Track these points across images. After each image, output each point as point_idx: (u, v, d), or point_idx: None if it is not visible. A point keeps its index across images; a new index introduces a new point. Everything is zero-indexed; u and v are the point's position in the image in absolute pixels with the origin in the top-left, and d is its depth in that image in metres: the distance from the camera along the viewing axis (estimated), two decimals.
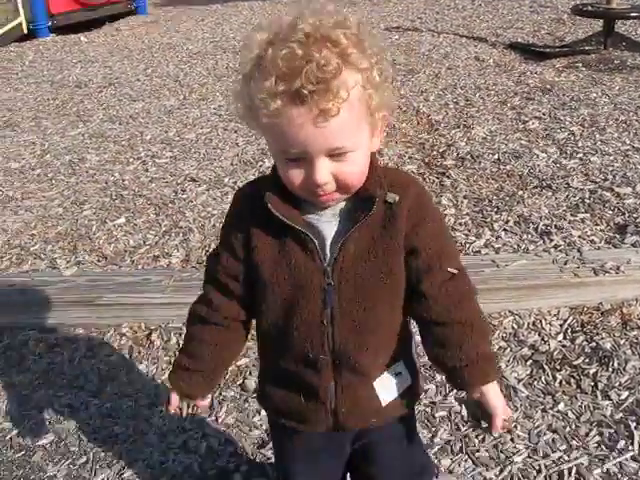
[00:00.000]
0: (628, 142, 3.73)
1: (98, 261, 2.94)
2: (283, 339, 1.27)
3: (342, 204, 1.19)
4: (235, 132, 4.41)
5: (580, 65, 5.38)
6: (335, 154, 1.09)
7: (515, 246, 2.78)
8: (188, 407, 1.42)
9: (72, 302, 2.62)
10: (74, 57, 7.10)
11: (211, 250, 1.38)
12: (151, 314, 2.60)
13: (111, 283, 2.69)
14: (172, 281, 2.67)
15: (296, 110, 1.03)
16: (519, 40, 6.44)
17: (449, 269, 1.24)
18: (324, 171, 1.09)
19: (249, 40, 1.09)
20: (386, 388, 1.31)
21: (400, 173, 1.29)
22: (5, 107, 5.39)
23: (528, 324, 2.45)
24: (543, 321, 2.45)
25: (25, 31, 7.96)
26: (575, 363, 2.25)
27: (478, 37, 6.68)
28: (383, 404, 1.31)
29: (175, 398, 1.37)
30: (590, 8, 5.89)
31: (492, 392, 1.23)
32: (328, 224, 1.20)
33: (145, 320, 2.59)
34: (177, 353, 1.46)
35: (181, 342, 2.46)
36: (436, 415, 2.08)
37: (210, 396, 1.42)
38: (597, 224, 2.92)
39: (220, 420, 2.13)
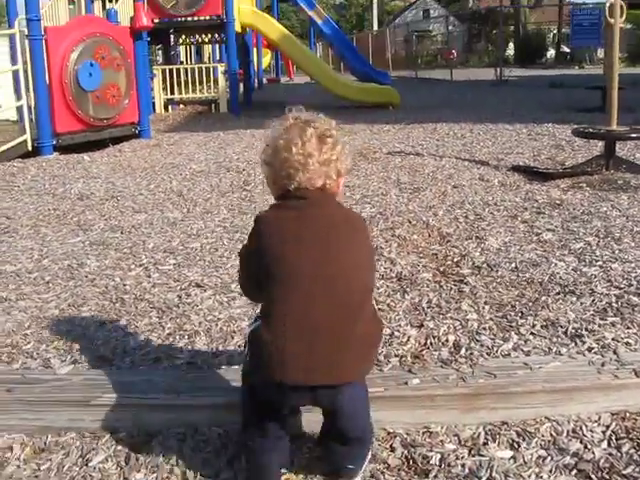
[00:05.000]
0: None
1: (96, 361, 2.72)
2: None
3: None
4: (241, 242, 4.29)
5: (584, 185, 5.38)
6: None
7: (546, 349, 2.60)
8: None
9: (66, 402, 2.38)
10: (77, 173, 7.10)
11: None
12: (152, 418, 2.36)
13: (110, 382, 2.47)
14: (177, 382, 2.45)
15: None
16: (520, 164, 6.50)
17: None
18: None
19: None
20: None
21: None
22: (4, 215, 5.28)
23: (568, 431, 2.23)
24: (584, 427, 2.24)
25: (29, 148, 8.03)
26: (625, 472, 2.03)
27: (480, 161, 6.76)
28: None
29: None
30: (591, 130, 5.98)
31: None
32: None
33: (145, 424, 2.35)
34: None
35: (184, 449, 2.25)
36: None
37: None
38: (629, 327, 2.75)
39: None
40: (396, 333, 2.82)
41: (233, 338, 2.90)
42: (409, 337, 2.78)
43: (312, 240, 1.81)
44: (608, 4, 5.80)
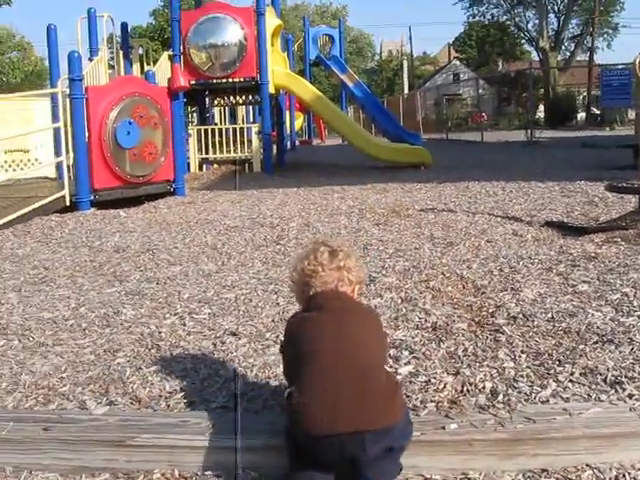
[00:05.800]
0: None
1: (131, 403, 2.73)
2: None
3: None
4: (275, 293, 4.31)
5: (619, 239, 5.32)
6: None
7: (585, 396, 2.55)
8: None
9: (100, 442, 2.38)
10: (113, 227, 7.23)
11: None
12: (187, 459, 2.35)
13: (146, 423, 2.47)
14: (213, 423, 2.45)
15: None
16: (554, 219, 6.47)
17: None
18: None
19: None
20: None
21: None
22: (42, 266, 5.39)
23: (610, 479, 2.18)
24: (627, 475, 2.18)
25: (67, 203, 8.21)
26: None
27: (513, 217, 6.74)
28: None
29: None
30: (625, 185, 5.96)
31: None
32: None
33: (180, 466, 2.34)
34: None
35: None
36: None
37: None
38: None
39: None
40: (432, 380, 2.80)
41: (268, 384, 2.89)
42: (445, 384, 2.75)
43: (330, 323, 2.19)
44: (638, 60, 5.85)
